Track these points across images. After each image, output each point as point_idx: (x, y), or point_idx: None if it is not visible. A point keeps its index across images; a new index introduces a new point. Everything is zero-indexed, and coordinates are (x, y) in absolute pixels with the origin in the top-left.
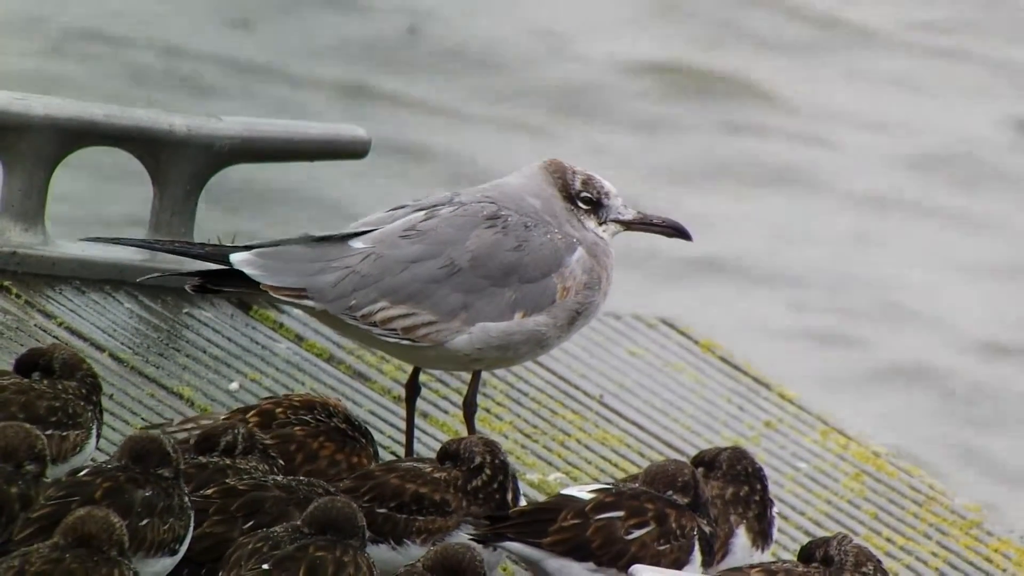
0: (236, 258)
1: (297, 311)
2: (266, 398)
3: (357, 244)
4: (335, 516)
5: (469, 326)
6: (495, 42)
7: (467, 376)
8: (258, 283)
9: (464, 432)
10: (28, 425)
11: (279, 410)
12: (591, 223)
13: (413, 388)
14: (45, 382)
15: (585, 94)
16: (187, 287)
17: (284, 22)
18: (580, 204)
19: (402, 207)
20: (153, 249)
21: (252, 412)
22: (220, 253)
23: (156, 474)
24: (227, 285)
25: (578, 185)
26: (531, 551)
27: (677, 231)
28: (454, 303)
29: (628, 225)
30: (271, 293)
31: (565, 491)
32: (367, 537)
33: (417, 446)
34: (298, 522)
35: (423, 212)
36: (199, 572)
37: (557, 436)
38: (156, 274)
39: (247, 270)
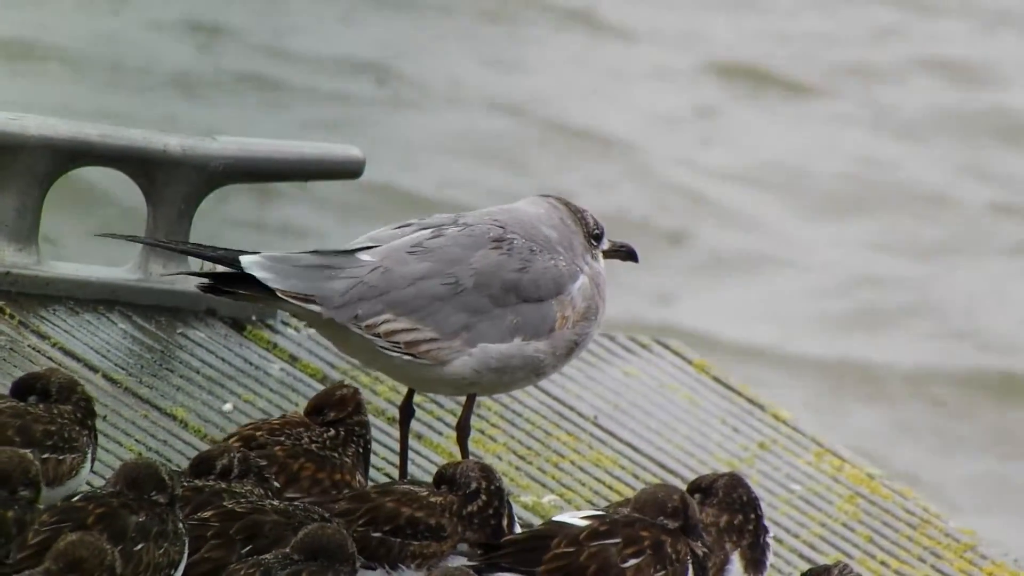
0: (247, 261)
1: (291, 331)
2: (245, 425)
3: (365, 257)
4: (325, 542)
5: (470, 346)
6: None
7: (461, 399)
8: (266, 287)
9: (458, 455)
10: (22, 451)
11: (259, 433)
12: (600, 257)
13: (407, 411)
14: (41, 406)
15: None
16: (196, 286)
17: None
18: (594, 241)
19: (408, 224)
20: (166, 248)
21: (233, 439)
22: (230, 256)
23: (150, 500)
24: (237, 288)
25: (592, 223)
26: None
27: (629, 254)
28: (456, 323)
29: (606, 254)
30: (279, 295)
31: (557, 517)
32: (360, 562)
33: (412, 468)
34: (288, 549)
35: (429, 230)
36: None
37: (551, 458)
38: (176, 272)
39: (257, 273)
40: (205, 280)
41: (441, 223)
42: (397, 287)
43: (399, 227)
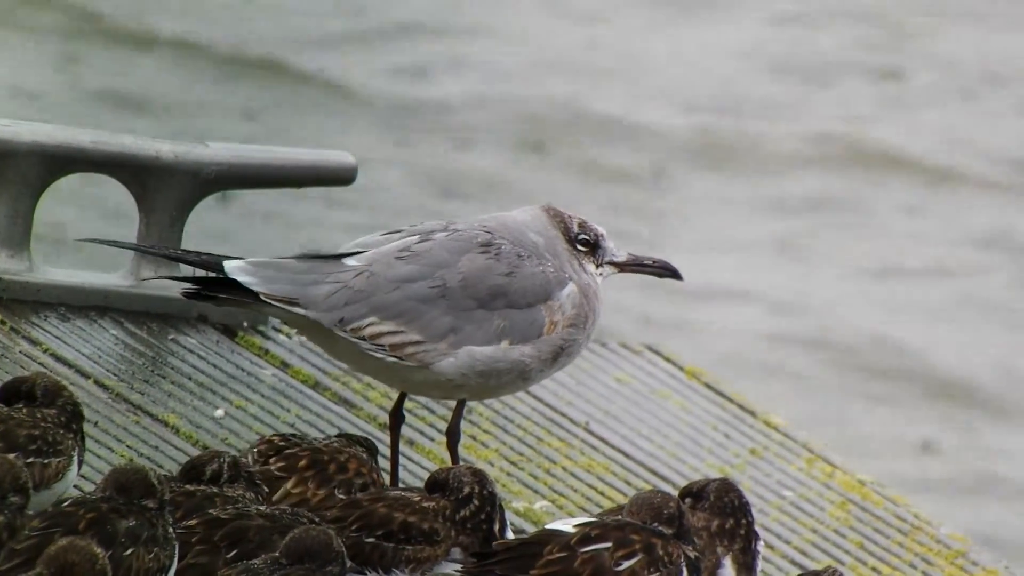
0: (230, 265)
1: (282, 337)
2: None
3: (351, 262)
4: (310, 544)
5: (456, 349)
6: None
7: (453, 404)
8: (250, 290)
9: (450, 461)
10: (12, 457)
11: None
12: (590, 266)
13: (397, 416)
14: (25, 410)
15: None
16: (180, 292)
17: None
18: (579, 247)
19: (397, 231)
20: (149, 253)
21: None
22: (214, 261)
23: (140, 505)
24: (220, 292)
25: (575, 228)
26: None
27: (668, 271)
28: (443, 325)
29: (621, 267)
30: (263, 298)
31: (550, 525)
32: (350, 566)
33: (403, 474)
34: (276, 554)
35: (418, 236)
36: None
37: (543, 464)
38: (159, 276)
39: (240, 277)
40: (188, 286)
41: (431, 229)
42: (383, 290)
43: (388, 233)
